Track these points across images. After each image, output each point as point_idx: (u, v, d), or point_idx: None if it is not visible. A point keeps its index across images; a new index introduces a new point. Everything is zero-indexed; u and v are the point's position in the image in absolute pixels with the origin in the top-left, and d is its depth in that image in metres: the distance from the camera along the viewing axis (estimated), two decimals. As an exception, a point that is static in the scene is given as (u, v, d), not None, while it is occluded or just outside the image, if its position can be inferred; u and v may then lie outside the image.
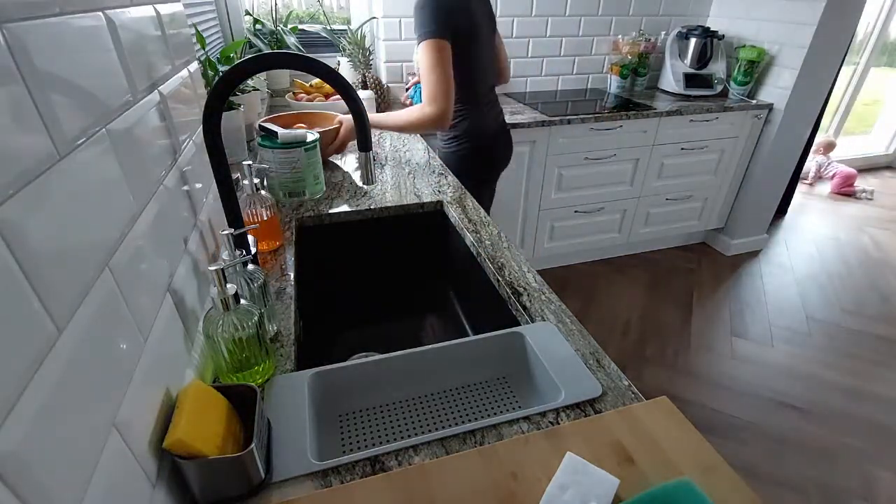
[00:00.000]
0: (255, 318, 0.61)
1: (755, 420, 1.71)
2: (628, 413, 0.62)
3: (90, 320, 0.38)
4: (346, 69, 2.10)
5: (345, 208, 1.18)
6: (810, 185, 3.76)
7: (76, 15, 0.43)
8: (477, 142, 1.53)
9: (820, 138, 3.75)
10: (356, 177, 1.39)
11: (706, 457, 0.56)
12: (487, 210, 1.86)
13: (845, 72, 3.29)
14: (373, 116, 1.42)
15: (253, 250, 0.75)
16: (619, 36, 2.48)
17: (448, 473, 0.54)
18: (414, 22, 1.29)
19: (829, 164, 3.74)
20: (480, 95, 1.51)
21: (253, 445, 0.50)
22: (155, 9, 0.64)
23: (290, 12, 2.17)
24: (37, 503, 0.30)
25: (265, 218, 0.93)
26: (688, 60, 2.46)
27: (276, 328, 0.77)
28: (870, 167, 4.05)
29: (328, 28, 2.22)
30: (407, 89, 1.90)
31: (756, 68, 2.35)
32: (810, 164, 3.72)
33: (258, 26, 2.05)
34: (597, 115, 2.10)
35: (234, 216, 0.71)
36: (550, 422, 0.62)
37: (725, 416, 1.73)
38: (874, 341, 2.11)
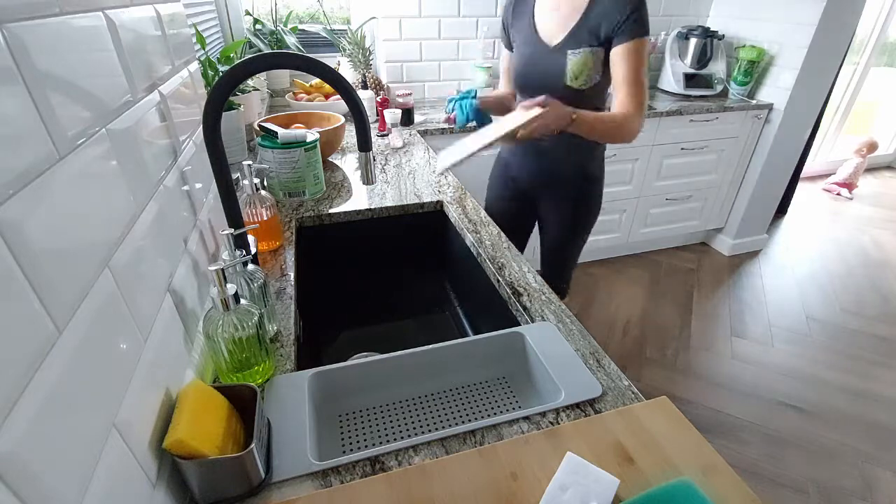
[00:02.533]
0: (255, 318, 0.61)
1: (755, 420, 1.71)
2: (628, 413, 0.62)
3: (90, 320, 0.38)
4: (346, 69, 2.10)
5: (345, 208, 1.18)
6: (846, 187, 3.53)
7: (76, 15, 0.43)
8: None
9: (861, 139, 3.60)
10: (356, 177, 1.39)
11: (706, 457, 0.56)
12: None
13: (845, 72, 3.29)
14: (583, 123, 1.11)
15: (253, 250, 0.75)
16: (619, 36, 2.48)
17: (448, 473, 0.54)
18: (636, 19, 1.08)
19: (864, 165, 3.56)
20: None
21: (253, 445, 0.50)
22: (155, 9, 0.64)
23: (290, 12, 2.17)
24: (37, 503, 0.30)
25: (265, 218, 0.93)
26: (688, 60, 2.46)
27: (276, 328, 0.77)
28: (870, 167, 4.05)
29: (328, 28, 2.22)
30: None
31: (756, 68, 2.35)
32: (846, 166, 3.56)
33: (258, 26, 2.05)
34: (597, 115, 2.10)
35: (234, 216, 0.71)
36: (550, 422, 0.62)
37: (725, 416, 1.73)
38: (874, 341, 2.11)
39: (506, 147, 1.43)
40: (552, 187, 1.40)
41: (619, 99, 1.14)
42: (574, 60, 1.14)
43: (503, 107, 1.34)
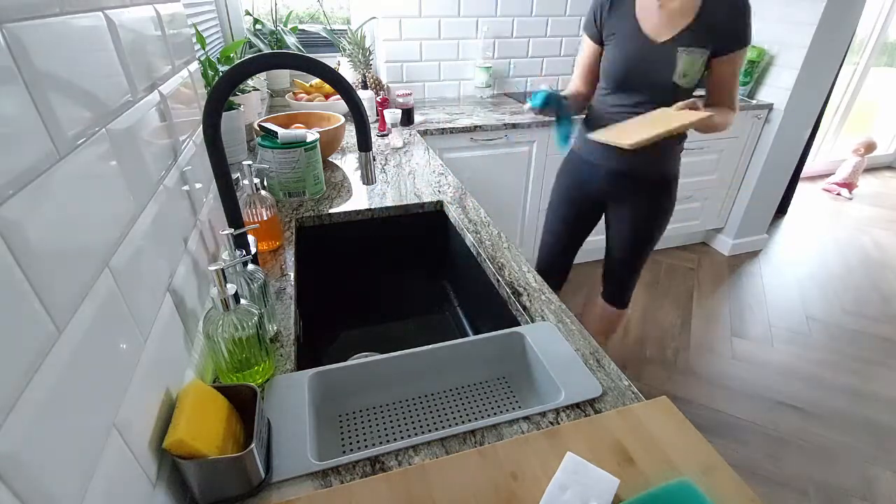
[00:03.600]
0: (255, 318, 0.61)
1: (755, 420, 1.71)
2: (628, 413, 0.62)
3: (90, 320, 0.38)
4: (346, 69, 2.10)
5: (345, 208, 1.18)
6: (845, 187, 3.54)
7: (76, 15, 0.43)
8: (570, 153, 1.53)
9: (859, 139, 3.61)
10: (356, 177, 1.39)
11: (706, 457, 0.56)
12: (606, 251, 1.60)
13: (845, 72, 3.29)
14: (711, 120, 1.19)
15: (253, 250, 0.75)
16: (619, 36, 2.48)
17: (448, 473, 0.54)
18: (748, 29, 1.17)
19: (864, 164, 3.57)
20: None
21: (253, 445, 0.50)
22: (155, 9, 0.64)
23: (290, 12, 2.17)
24: (37, 503, 0.30)
25: (265, 218, 0.93)
26: (688, 60, 2.46)
27: (276, 328, 0.77)
28: (870, 167, 4.04)
29: (328, 28, 2.22)
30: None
31: (756, 68, 2.35)
32: (845, 166, 3.56)
33: (258, 26, 2.05)
34: (597, 115, 2.10)
35: (234, 216, 0.72)
36: (550, 422, 0.62)
37: (725, 416, 1.73)
38: (874, 341, 2.11)
39: (585, 147, 1.42)
40: (630, 191, 1.39)
41: (726, 101, 1.27)
42: (686, 59, 1.17)
43: (579, 105, 1.41)
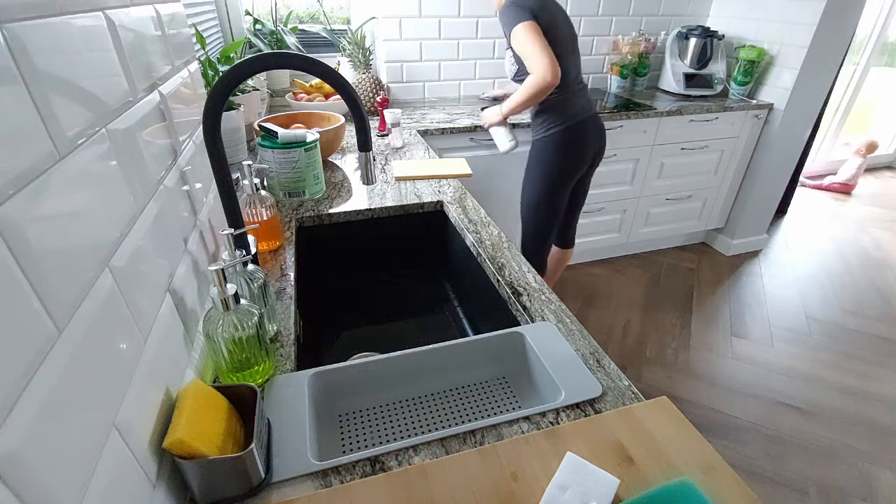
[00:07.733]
0: (255, 318, 0.61)
1: (755, 420, 1.71)
2: (628, 413, 0.62)
3: (90, 320, 0.38)
4: (346, 69, 2.10)
5: (345, 208, 1.18)
6: (843, 189, 3.56)
7: (76, 15, 0.43)
8: (566, 124, 1.58)
9: (861, 139, 3.62)
10: (356, 177, 1.39)
11: (706, 457, 0.56)
12: (568, 207, 1.79)
13: (845, 72, 3.28)
14: (505, 105, 1.56)
15: (253, 250, 0.75)
16: (619, 36, 2.48)
17: (448, 473, 0.54)
18: (504, 19, 1.45)
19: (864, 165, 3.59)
20: (568, 82, 1.56)
21: (253, 445, 0.50)
22: (155, 9, 0.64)
23: (290, 12, 2.17)
24: (37, 503, 0.30)
25: (265, 218, 0.93)
26: (688, 60, 2.46)
27: (276, 328, 0.77)
28: (870, 167, 4.04)
29: (328, 28, 2.22)
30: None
31: (756, 68, 2.35)
32: (848, 167, 3.58)
33: (258, 26, 2.05)
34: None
35: (234, 216, 0.71)
36: (550, 422, 0.62)
37: (725, 416, 1.73)
38: (874, 341, 2.11)
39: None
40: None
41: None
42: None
43: None
